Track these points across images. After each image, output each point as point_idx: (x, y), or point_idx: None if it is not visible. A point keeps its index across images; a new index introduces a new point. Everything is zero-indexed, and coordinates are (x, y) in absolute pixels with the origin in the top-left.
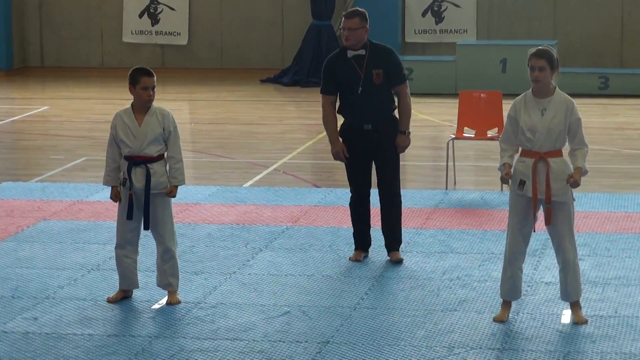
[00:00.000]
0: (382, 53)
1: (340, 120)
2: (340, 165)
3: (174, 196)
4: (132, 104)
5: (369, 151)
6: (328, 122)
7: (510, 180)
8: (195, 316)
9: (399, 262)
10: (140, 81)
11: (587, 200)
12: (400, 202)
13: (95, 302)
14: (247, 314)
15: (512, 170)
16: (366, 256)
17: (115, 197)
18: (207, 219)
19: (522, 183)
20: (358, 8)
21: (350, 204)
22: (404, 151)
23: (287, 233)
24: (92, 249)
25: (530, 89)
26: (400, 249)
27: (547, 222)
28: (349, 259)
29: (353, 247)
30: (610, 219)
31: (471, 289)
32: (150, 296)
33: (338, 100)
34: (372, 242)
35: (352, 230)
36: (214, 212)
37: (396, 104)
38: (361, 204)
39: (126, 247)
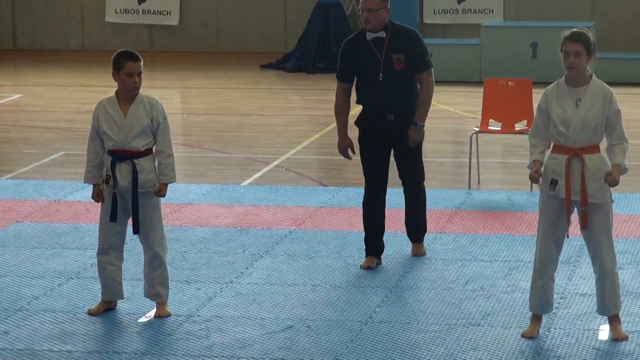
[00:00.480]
0: (404, 36)
1: (356, 109)
2: (351, 162)
3: (164, 195)
4: (116, 92)
5: (389, 143)
6: (339, 113)
7: (540, 179)
8: (187, 331)
9: (422, 255)
10: (124, 66)
11: (628, 202)
12: (424, 192)
13: (75, 315)
14: (245, 328)
15: (542, 168)
16: (379, 263)
17: (97, 196)
18: (200, 221)
19: (553, 182)
20: None
21: (364, 203)
22: (413, 145)
23: (290, 237)
24: (71, 255)
25: (564, 77)
26: (424, 240)
27: (583, 226)
28: (360, 266)
29: (364, 253)
30: None
31: (497, 301)
32: (137, 308)
33: (354, 88)
34: (385, 248)
35: (363, 234)
36: (208, 213)
37: (417, 90)
38: (376, 203)
39: (110, 252)
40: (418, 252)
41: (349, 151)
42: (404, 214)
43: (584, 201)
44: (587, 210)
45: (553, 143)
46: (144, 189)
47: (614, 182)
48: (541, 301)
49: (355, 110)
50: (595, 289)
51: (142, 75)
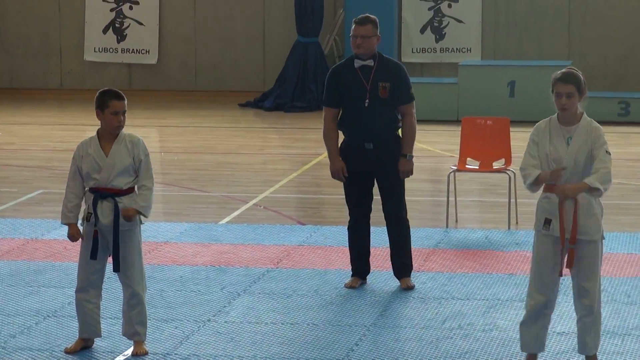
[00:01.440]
0: (391, 66)
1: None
2: (328, 201)
3: (129, 218)
4: (97, 131)
5: (370, 172)
6: (329, 137)
7: (535, 222)
8: None
9: (412, 288)
10: (109, 105)
11: (605, 241)
12: (408, 226)
13: (52, 353)
14: None
15: (536, 210)
16: (363, 283)
17: (74, 235)
18: (178, 259)
19: (547, 222)
20: (369, 15)
21: (349, 228)
22: (405, 177)
23: (268, 276)
24: (49, 293)
25: (556, 115)
26: (411, 274)
27: (569, 264)
28: (344, 285)
29: (342, 290)
30: (631, 262)
31: (474, 340)
32: (114, 346)
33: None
34: (370, 270)
35: (341, 272)
36: (186, 252)
37: (399, 121)
38: (359, 228)
39: (88, 290)
40: (407, 286)
41: (342, 173)
42: (389, 251)
43: (572, 239)
44: (574, 249)
45: (545, 183)
46: (125, 227)
47: (561, 190)
48: (539, 339)
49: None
50: (576, 327)
51: (126, 113)
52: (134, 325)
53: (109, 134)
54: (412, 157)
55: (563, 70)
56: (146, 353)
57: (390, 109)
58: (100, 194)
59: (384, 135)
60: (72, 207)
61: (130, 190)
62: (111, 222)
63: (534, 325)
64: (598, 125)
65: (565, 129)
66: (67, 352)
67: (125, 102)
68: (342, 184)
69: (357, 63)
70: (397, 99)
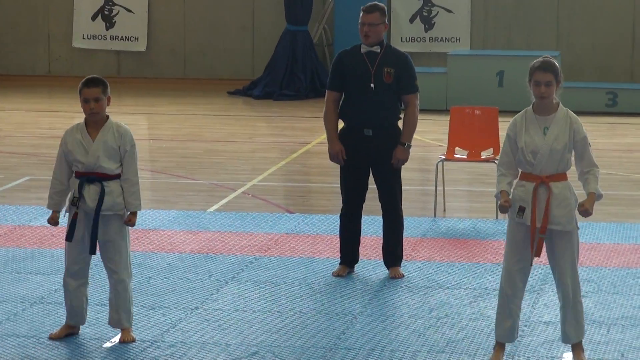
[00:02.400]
0: (397, 55)
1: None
2: (316, 189)
3: (133, 224)
4: (84, 119)
5: (367, 160)
6: (329, 120)
7: (509, 210)
8: (152, 356)
9: (400, 278)
10: (81, 92)
11: (592, 231)
12: (402, 215)
13: (38, 340)
14: (210, 354)
15: (510, 197)
16: (351, 272)
17: (51, 220)
18: (166, 247)
19: (521, 210)
20: (377, 2)
21: (341, 216)
22: (400, 165)
23: (256, 264)
24: (35, 280)
25: (531, 106)
26: (401, 264)
27: (537, 254)
28: (332, 273)
29: (329, 278)
30: (617, 252)
31: (461, 329)
32: (102, 333)
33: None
34: (359, 259)
35: (329, 260)
36: (174, 239)
37: (400, 112)
38: (351, 217)
39: (75, 276)
40: (396, 275)
41: (340, 156)
42: (377, 240)
43: (543, 229)
44: (543, 239)
45: (521, 170)
46: (112, 212)
47: (586, 213)
48: (506, 330)
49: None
50: (559, 316)
51: (101, 101)
52: (120, 313)
53: (93, 122)
54: (410, 146)
55: (540, 59)
56: (133, 340)
57: (393, 96)
58: (87, 178)
59: (384, 123)
60: (54, 193)
61: (118, 176)
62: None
63: (506, 315)
64: (575, 115)
65: (541, 118)
66: (52, 338)
67: (100, 89)
68: (335, 171)
69: (364, 48)
70: (402, 88)
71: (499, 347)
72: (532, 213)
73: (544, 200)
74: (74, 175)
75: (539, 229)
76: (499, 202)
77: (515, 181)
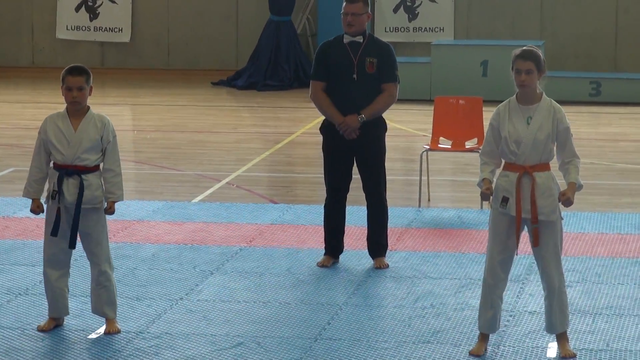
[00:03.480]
0: (380, 45)
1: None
2: (301, 180)
3: (112, 213)
4: (66, 108)
5: (351, 150)
6: (322, 98)
7: (491, 197)
8: (137, 347)
9: (385, 268)
10: (64, 80)
11: (576, 221)
12: (386, 205)
13: (23, 331)
14: (195, 345)
15: (493, 185)
16: (335, 262)
17: (36, 209)
18: (150, 238)
19: (504, 200)
20: None
21: (325, 206)
22: (342, 130)
23: (241, 255)
24: (20, 271)
25: (515, 95)
26: (386, 254)
27: (534, 243)
28: (317, 264)
29: (314, 269)
30: (602, 241)
31: (446, 319)
32: (86, 324)
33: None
34: (343, 249)
35: (313, 250)
36: (159, 230)
37: None
38: (336, 207)
39: (56, 268)
40: (381, 265)
41: (351, 123)
42: (362, 230)
43: (534, 218)
44: (538, 228)
45: (504, 160)
46: (91, 205)
47: (568, 202)
48: (488, 320)
49: (320, 118)
50: (543, 306)
51: (84, 90)
52: (103, 304)
53: (75, 111)
54: (363, 120)
55: (522, 47)
56: (118, 331)
57: (376, 86)
58: (66, 171)
59: None
60: (33, 181)
61: (96, 168)
62: (76, 200)
63: (488, 306)
64: (559, 105)
65: (525, 108)
66: (40, 330)
67: (84, 78)
68: (318, 162)
69: (347, 39)
70: (382, 77)
71: (482, 337)
72: (517, 203)
73: (528, 190)
74: (52, 166)
75: (526, 219)
76: (481, 190)
77: (498, 171)
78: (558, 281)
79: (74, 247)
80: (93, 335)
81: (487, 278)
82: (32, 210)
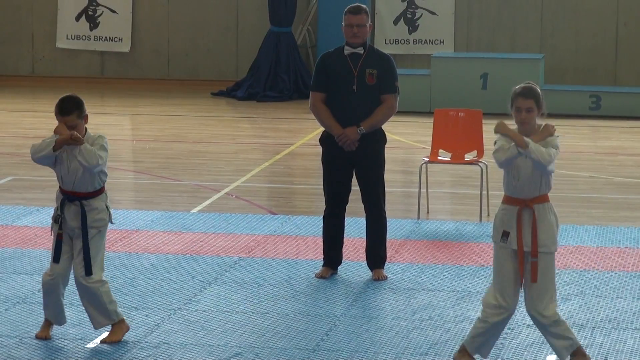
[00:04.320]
0: (380, 56)
1: (321, 128)
2: (300, 191)
3: (74, 138)
4: None
5: (350, 162)
6: (321, 110)
7: (492, 233)
8: (135, 357)
9: (384, 280)
10: (57, 118)
11: (575, 234)
12: (385, 217)
13: (21, 340)
14: (193, 355)
15: (494, 221)
16: (334, 274)
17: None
18: (149, 248)
19: (505, 234)
20: (360, 4)
21: (324, 218)
22: (341, 142)
23: (239, 265)
24: (18, 280)
25: (516, 128)
26: (384, 266)
27: (533, 278)
28: (315, 275)
29: (312, 280)
30: (601, 255)
31: (445, 331)
32: (85, 334)
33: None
34: (342, 261)
35: (311, 262)
36: (157, 240)
37: None
38: (334, 219)
39: (57, 282)
40: (379, 277)
41: (348, 135)
42: (364, 242)
43: (534, 252)
44: (537, 262)
45: (504, 194)
46: (93, 227)
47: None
48: (485, 346)
49: (319, 129)
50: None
51: (78, 126)
52: (99, 313)
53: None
54: (362, 131)
55: (522, 85)
56: (128, 328)
57: (376, 98)
58: (68, 196)
59: None
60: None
61: (99, 191)
62: (78, 225)
63: (491, 336)
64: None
65: None
66: (39, 337)
67: (75, 114)
68: (318, 173)
69: (347, 50)
70: (382, 88)
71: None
72: (519, 237)
73: (529, 224)
74: (59, 189)
75: (527, 252)
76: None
77: (497, 201)
78: (553, 311)
79: (91, 274)
80: (91, 345)
81: (499, 308)
82: (57, 132)
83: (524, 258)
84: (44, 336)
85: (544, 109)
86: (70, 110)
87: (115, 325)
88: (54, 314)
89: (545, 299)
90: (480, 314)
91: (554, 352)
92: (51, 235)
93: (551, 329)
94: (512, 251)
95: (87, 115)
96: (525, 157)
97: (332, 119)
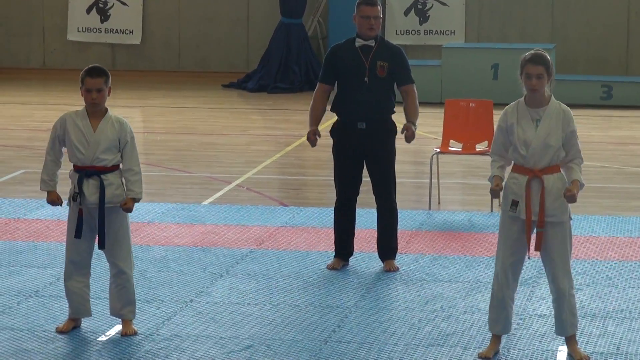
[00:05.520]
0: (391, 49)
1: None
2: (311, 182)
3: (130, 210)
4: (85, 108)
5: (361, 153)
6: (314, 107)
7: (501, 196)
8: (147, 350)
9: (395, 271)
10: (84, 82)
11: (587, 224)
12: (396, 208)
13: (33, 333)
14: (204, 347)
15: (503, 183)
16: (345, 265)
17: (54, 201)
18: (160, 240)
19: (514, 203)
20: None
21: (335, 210)
22: (410, 141)
23: (251, 257)
24: (30, 273)
25: (523, 97)
26: (396, 257)
27: (537, 247)
28: (327, 266)
29: (324, 272)
30: (612, 245)
31: (456, 322)
32: (97, 326)
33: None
34: (353, 252)
35: (323, 253)
36: (169, 232)
37: (394, 105)
38: (345, 210)
39: (78, 269)
40: (391, 268)
41: (314, 136)
42: (376, 233)
43: (541, 222)
44: (543, 232)
45: (514, 162)
46: (111, 204)
47: (572, 198)
48: (500, 321)
49: (330, 120)
50: (553, 309)
51: (103, 92)
52: (122, 305)
53: (94, 112)
54: (416, 127)
55: (531, 51)
56: (135, 333)
57: (387, 90)
58: (86, 172)
59: (377, 116)
60: (51, 174)
61: (115, 167)
62: (97, 200)
63: (499, 308)
64: (567, 108)
65: (533, 111)
66: (59, 331)
67: (102, 79)
68: (329, 165)
69: (359, 42)
70: (398, 80)
71: (495, 339)
72: (527, 207)
73: (538, 193)
74: (72, 169)
75: (535, 222)
76: (490, 187)
77: (508, 169)
78: (567, 284)
79: (104, 248)
80: (103, 338)
81: (498, 279)
82: (51, 201)
83: (532, 228)
84: (64, 330)
85: (553, 76)
86: (100, 73)
87: (126, 321)
88: (73, 307)
89: (559, 271)
90: (491, 293)
91: (560, 331)
92: (57, 204)
93: (563, 302)
94: (520, 221)
95: (110, 88)
96: (536, 131)
97: (318, 118)
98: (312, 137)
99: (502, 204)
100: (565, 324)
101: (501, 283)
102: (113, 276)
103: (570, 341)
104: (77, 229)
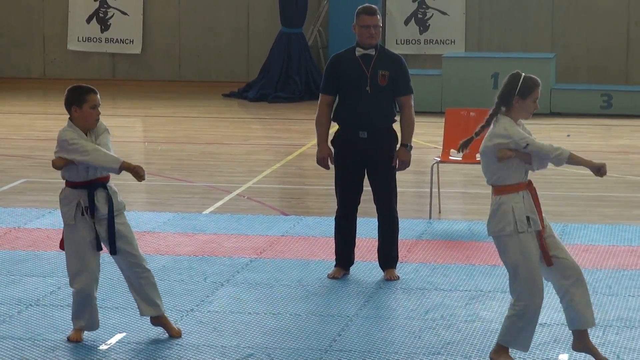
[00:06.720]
0: (391, 57)
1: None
2: (311, 191)
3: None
4: (73, 124)
5: (362, 163)
6: (320, 123)
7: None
8: (148, 358)
9: (396, 280)
10: (87, 99)
11: (587, 233)
12: (397, 217)
13: (34, 342)
14: (205, 356)
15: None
16: (346, 274)
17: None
18: (161, 249)
19: (528, 219)
20: (371, 4)
21: (336, 219)
22: (404, 168)
23: (251, 266)
24: (31, 282)
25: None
26: (396, 266)
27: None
28: (327, 275)
29: (325, 281)
30: (613, 254)
31: (456, 331)
32: (98, 335)
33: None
34: (354, 261)
35: (323, 262)
36: (169, 241)
37: (395, 114)
38: (346, 219)
39: (92, 281)
40: (391, 277)
41: (328, 161)
42: (376, 242)
43: (543, 227)
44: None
45: (508, 184)
46: (118, 211)
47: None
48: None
49: (332, 130)
50: (562, 305)
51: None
52: (156, 300)
53: (85, 129)
54: (411, 147)
55: (531, 75)
56: (180, 334)
57: (388, 98)
58: (93, 185)
59: (378, 125)
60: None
61: (109, 175)
62: (107, 210)
63: (531, 326)
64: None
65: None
66: (73, 340)
67: (97, 95)
68: (330, 174)
69: (359, 52)
70: (397, 90)
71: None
72: (540, 216)
73: (534, 202)
74: (69, 187)
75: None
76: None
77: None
78: (578, 267)
79: (116, 253)
80: (104, 347)
81: (535, 300)
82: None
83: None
84: (77, 338)
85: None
86: (95, 90)
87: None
88: (89, 321)
89: (570, 258)
90: (511, 309)
91: (582, 323)
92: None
93: (584, 287)
94: (534, 234)
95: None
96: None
97: (326, 135)
98: (326, 164)
99: (505, 227)
100: (588, 315)
101: (538, 305)
102: (136, 277)
103: (586, 335)
104: (98, 242)
